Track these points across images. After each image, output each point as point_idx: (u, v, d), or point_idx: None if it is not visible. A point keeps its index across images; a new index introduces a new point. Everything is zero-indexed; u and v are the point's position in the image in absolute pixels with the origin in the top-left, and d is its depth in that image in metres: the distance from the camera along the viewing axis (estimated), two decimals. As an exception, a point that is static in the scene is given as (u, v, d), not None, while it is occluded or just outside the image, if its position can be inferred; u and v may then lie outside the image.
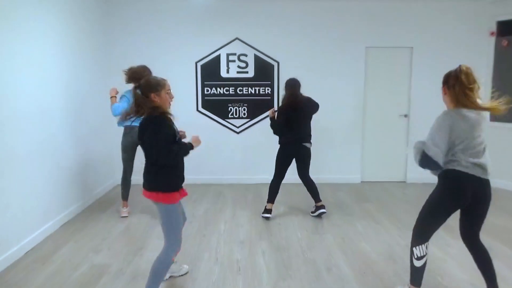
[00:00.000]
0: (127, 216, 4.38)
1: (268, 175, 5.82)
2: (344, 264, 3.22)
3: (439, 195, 2.53)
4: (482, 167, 2.42)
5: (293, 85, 4.19)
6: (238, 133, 5.87)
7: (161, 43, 5.62)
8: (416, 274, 2.59)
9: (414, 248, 2.58)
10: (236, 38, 5.69)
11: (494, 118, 5.64)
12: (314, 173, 4.58)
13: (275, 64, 5.75)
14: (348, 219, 4.34)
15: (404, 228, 4.05)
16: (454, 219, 4.23)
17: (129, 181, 4.40)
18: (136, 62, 5.60)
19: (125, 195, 4.43)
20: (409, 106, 5.89)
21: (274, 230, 3.99)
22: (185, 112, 5.79)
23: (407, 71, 5.82)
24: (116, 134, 5.75)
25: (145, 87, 2.47)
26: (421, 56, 5.75)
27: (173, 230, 2.52)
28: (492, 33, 5.66)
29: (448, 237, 3.83)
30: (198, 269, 3.13)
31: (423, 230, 2.61)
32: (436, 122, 2.45)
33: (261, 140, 5.80)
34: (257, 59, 5.72)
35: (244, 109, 5.79)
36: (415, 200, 5.07)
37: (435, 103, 5.79)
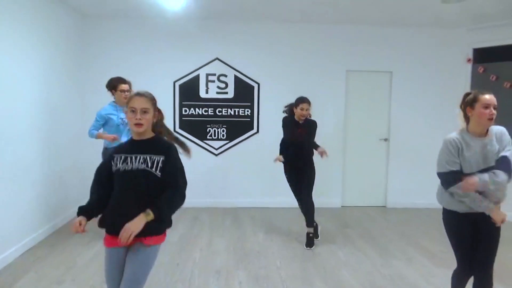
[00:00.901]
0: None
1: (247, 199, 5.69)
2: (326, 296, 3.05)
3: None
4: None
5: None
6: (216, 155, 5.70)
7: (139, 62, 5.45)
8: None
9: None
10: (216, 58, 5.59)
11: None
12: (293, 197, 4.43)
13: (256, 86, 5.66)
14: (330, 246, 4.19)
15: (386, 255, 3.93)
16: (437, 246, 4.14)
17: None
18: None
19: None
20: (389, 130, 5.87)
21: (252, 259, 3.79)
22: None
23: (386, 95, 5.84)
24: (89, 153, 5.51)
25: None
26: (400, 80, 5.79)
27: None
28: (468, 60, 5.76)
29: (429, 264, 3.73)
30: (170, 303, 2.90)
31: None
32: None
33: (240, 162, 5.65)
34: (237, 80, 5.63)
35: (223, 131, 5.64)
36: (396, 226, 4.98)
37: (414, 127, 5.84)
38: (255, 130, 5.69)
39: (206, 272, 3.45)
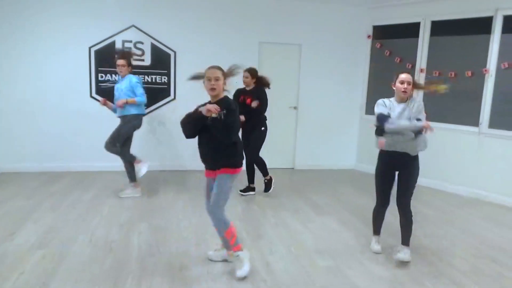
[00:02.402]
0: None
1: (164, 162, 6.00)
2: (214, 240, 3.52)
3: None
4: None
5: None
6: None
7: (52, 25, 5.43)
8: None
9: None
10: (132, 25, 5.70)
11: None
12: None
13: (172, 54, 5.87)
14: (232, 202, 4.64)
15: (278, 208, 4.50)
16: (324, 200, 4.82)
17: None
18: (24, 45, 5.41)
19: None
20: (298, 99, 6.41)
21: (157, 213, 4.17)
22: (78, 99, 5.69)
23: (296, 66, 6.33)
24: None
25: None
26: (308, 53, 6.29)
27: None
28: (368, 36, 6.38)
29: (312, 213, 4.35)
30: (69, 250, 3.20)
31: None
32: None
33: (156, 129, 5.92)
34: (154, 47, 5.80)
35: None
36: (296, 185, 5.60)
37: (320, 97, 6.44)
38: (172, 96, 5.95)
39: (110, 225, 3.78)
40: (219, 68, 2.87)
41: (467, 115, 5.34)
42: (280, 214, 4.33)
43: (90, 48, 5.61)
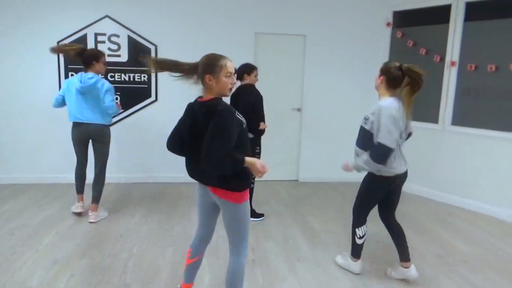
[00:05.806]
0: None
1: (143, 173, 5.22)
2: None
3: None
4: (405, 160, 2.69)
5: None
6: (109, 125, 5.14)
7: (12, 20, 4.75)
8: (358, 249, 2.92)
9: (356, 229, 2.89)
10: (106, 16, 4.93)
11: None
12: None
13: (153, 48, 5.07)
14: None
15: (266, 237, 3.59)
16: (324, 223, 3.80)
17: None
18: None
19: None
20: (302, 99, 5.45)
21: (109, 244, 3.36)
22: (46, 100, 4.98)
23: (299, 61, 5.37)
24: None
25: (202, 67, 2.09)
26: (314, 45, 5.31)
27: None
28: (388, 24, 5.33)
29: (305, 245, 3.41)
30: (-35, 304, 2.44)
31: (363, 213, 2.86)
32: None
33: (136, 134, 5.14)
34: (131, 41, 5.01)
35: (117, 99, 5.06)
36: (299, 204, 4.66)
37: (328, 97, 5.44)
38: (153, 98, 5.15)
39: (41, 262, 2.99)
40: None
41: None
42: (264, 245, 3.42)
43: (58, 42, 4.88)
